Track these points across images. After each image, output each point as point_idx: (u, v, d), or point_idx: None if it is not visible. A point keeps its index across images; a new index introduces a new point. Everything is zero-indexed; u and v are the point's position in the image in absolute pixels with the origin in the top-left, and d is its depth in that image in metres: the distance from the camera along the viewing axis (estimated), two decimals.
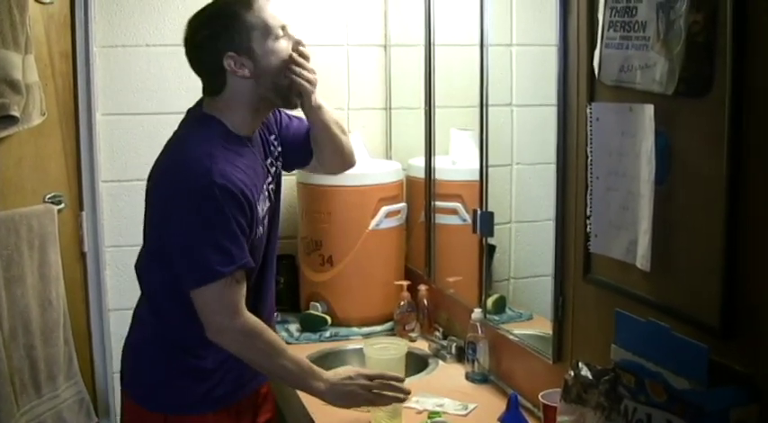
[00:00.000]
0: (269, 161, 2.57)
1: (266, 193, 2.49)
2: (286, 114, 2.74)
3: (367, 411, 2.65)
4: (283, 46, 2.43)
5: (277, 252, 2.68)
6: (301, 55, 2.47)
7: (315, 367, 2.49)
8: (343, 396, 2.47)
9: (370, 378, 2.52)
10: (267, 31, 2.40)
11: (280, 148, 2.66)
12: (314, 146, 2.72)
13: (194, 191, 2.29)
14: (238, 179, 2.32)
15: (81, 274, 3.77)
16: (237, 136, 2.44)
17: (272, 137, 2.64)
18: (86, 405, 3.60)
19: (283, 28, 2.44)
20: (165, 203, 2.38)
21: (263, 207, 2.45)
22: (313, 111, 2.61)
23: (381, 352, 2.74)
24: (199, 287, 2.30)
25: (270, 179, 2.54)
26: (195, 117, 2.49)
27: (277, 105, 2.55)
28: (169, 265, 2.37)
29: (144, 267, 2.53)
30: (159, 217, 2.41)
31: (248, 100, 2.44)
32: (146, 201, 2.47)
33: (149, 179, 2.45)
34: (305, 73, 2.48)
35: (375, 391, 2.50)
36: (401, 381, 2.57)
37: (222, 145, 2.37)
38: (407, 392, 2.57)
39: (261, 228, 2.45)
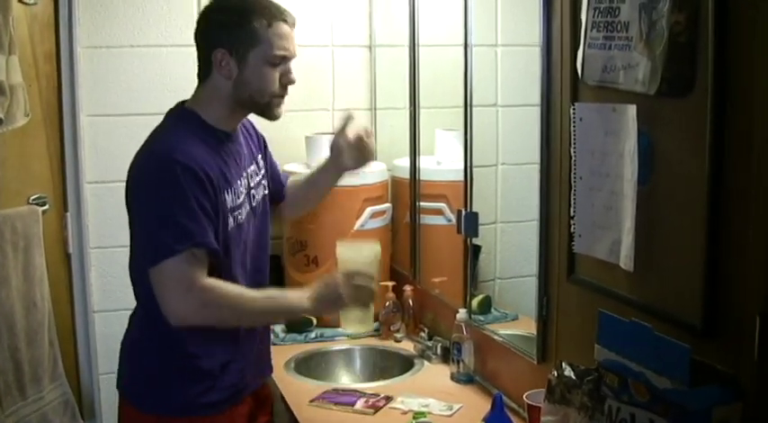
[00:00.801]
0: (252, 169, 2.56)
1: (243, 192, 2.49)
2: (270, 154, 2.77)
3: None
4: (272, 75, 2.42)
5: (268, 263, 2.67)
6: None
7: (291, 292, 2.47)
8: (328, 302, 2.45)
9: (348, 278, 2.48)
10: (268, 52, 2.39)
11: (263, 172, 2.67)
12: (298, 200, 2.84)
13: (155, 169, 2.31)
14: (202, 161, 2.32)
15: (66, 276, 3.75)
16: (214, 129, 2.44)
17: (260, 155, 2.67)
18: (71, 407, 3.59)
19: (284, 59, 2.43)
20: (131, 189, 2.39)
21: (233, 199, 2.42)
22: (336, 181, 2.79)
23: (354, 253, 2.69)
24: (155, 265, 2.27)
25: (249, 184, 2.53)
26: (173, 112, 2.50)
27: (256, 113, 2.52)
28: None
29: (133, 269, 2.51)
30: (128, 204, 2.41)
31: (225, 97, 2.44)
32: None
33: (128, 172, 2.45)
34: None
35: (356, 284, 2.46)
36: (373, 278, 2.54)
37: (197, 135, 2.38)
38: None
39: (232, 222, 2.42)
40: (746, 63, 1.69)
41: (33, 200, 3.51)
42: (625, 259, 2.05)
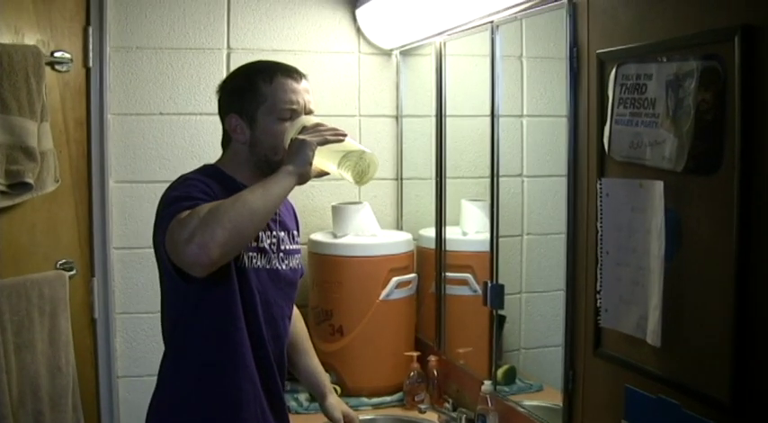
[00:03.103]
0: (282, 234, 2.55)
1: (266, 246, 2.48)
2: None
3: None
4: (282, 129, 2.42)
5: (287, 335, 2.65)
6: None
7: (268, 178, 2.32)
8: (298, 151, 2.30)
9: (306, 129, 2.39)
10: (274, 108, 2.42)
11: (298, 246, 2.66)
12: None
13: (169, 188, 2.35)
14: (214, 188, 2.33)
15: (91, 341, 3.76)
16: (234, 180, 2.45)
17: (295, 231, 2.67)
18: None
19: (293, 111, 2.43)
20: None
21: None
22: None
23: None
24: (165, 235, 2.19)
25: (279, 246, 2.53)
26: (199, 167, 2.53)
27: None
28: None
29: (167, 322, 2.52)
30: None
31: (244, 162, 2.47)
32: None
33: None
34: None
35: (312, 128, 2.37)
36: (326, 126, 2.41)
37: (221, 184, 2.39)
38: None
39: (246, 260, 2.41)
40: None
41: (61, 265, 3.54)
42: (652, 335, 2.04)
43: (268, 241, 2.50)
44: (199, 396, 2.43)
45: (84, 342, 3.70)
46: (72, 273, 3.57)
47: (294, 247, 2.63)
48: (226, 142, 2.53)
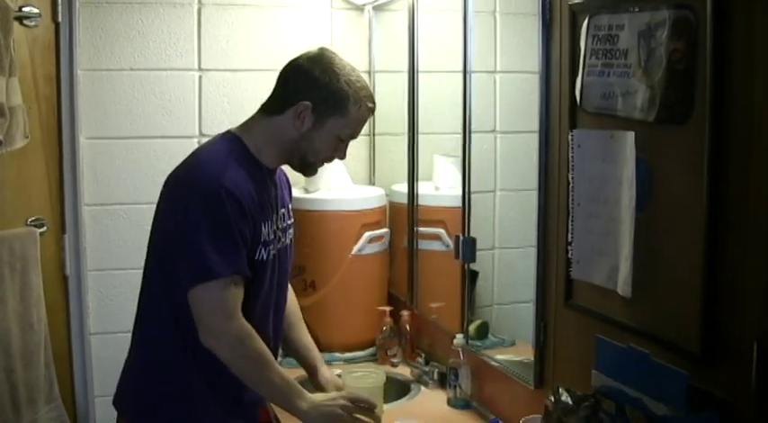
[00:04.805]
0: (282, 211, 2.58)
1: (274, 229, 2.49)
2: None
3: None
4: (333, 146, 2.49)
5: (284, 308, 2.69)
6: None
7: (299, 387, 2.45)
8: (324, 417, 2.42)
9: (351, 400, 2.48)
10: (344, 128, 2.45)
11: (292, 221, 2.68)
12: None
13: (203, 193, 2.31)
14: (246, 190, 2.34)
15: (63, 298, 3.75)
16: (257, 160, 2.45)
17: (289, 204, 2.69)
18: None
19: (350, 137, 2.50)
20: (174, 205, 2.39)
21: (268, 233, 2.44)
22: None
23: (359, 380, 2.71)
24: (196, 286, 2.29)
25: (278, 225, 2.54)
26: (222, 135, 2.53)
27: (293, 166, 2.56)
28: (170, 286, 2.37)
29: (147, 291, 2.50)
30: (168, 219, 2.40)
31: (282, 142, 2.46)
32: (156, 209, 2.46)
33: (164, 185, 2.46)
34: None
35: (355, 415, 2.46)
36: (375, 408, 2.53)
37: (238, 161, 2.39)
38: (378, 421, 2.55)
39: (264, 253, 2.43)
40: (745, 91, 1.69)
41: (31, 222, 3.51)
42: (623, 285, 2.05)
43: (275, 224, 2.52)
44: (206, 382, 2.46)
45: (56, 299, 3.69)
46: (43, 229, 3.55)
47: (290, 221, 2.67)
48: (274, 111, 2.48)
